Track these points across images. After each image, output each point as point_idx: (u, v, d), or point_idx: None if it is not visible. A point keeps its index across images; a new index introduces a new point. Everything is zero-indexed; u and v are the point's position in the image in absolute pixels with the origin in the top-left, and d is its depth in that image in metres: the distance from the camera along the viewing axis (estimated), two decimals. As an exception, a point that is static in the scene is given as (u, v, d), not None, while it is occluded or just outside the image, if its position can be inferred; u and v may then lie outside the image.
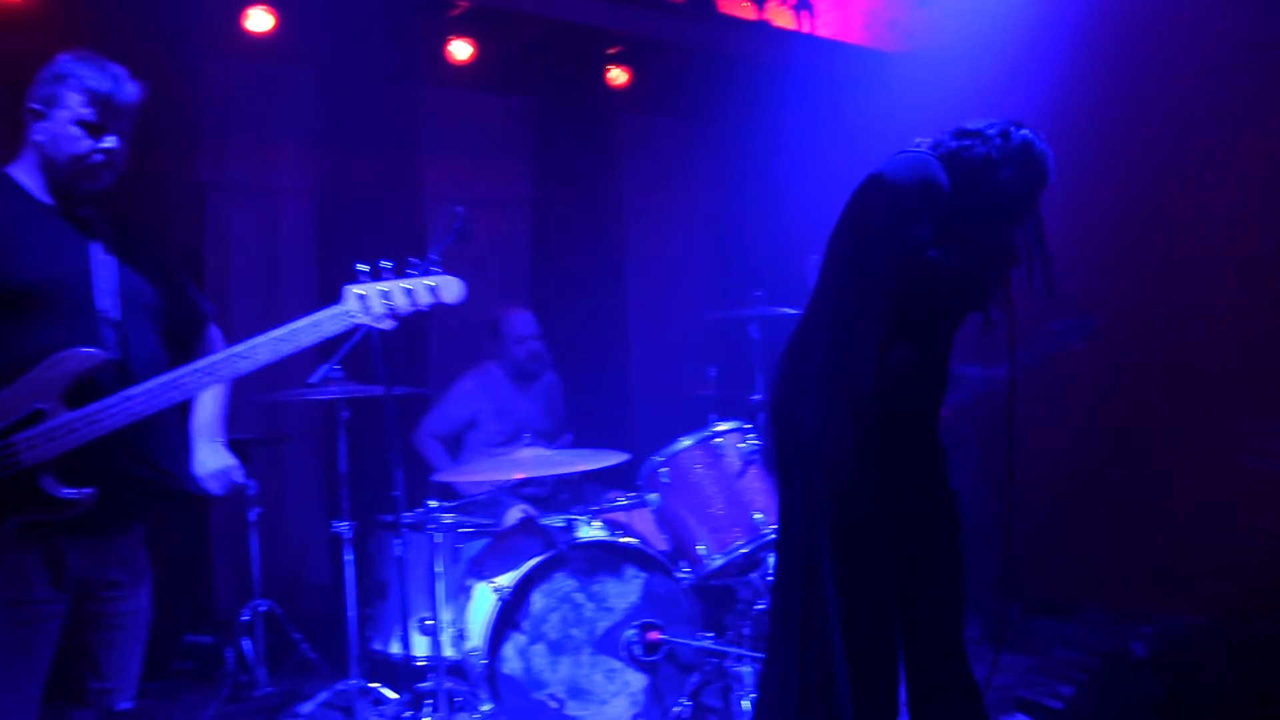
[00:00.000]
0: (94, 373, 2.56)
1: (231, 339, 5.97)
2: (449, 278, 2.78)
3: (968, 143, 3.30)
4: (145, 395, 2.59)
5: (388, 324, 2.75)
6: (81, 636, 2.62)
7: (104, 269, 2.71)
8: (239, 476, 2.91)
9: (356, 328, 2.79)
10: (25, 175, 2.72)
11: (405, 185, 6.53)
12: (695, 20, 6.78)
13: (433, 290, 2.76)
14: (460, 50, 6.37)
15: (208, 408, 2.98)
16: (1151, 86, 6.13)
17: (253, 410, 5.78)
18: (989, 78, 6.26)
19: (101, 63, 2.71)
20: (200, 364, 2.67)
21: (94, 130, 2.66)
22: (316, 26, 5.98)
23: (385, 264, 2.79)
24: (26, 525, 2.49)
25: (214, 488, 2.87)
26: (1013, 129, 3.30)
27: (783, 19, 7.13)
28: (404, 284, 2.73)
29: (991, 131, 3.30)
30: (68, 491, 2.51)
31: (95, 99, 2.65)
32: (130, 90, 2.73)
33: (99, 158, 2.68)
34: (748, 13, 7.00)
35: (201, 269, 5.92)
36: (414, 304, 2.74)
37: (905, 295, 3.19)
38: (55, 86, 2.67)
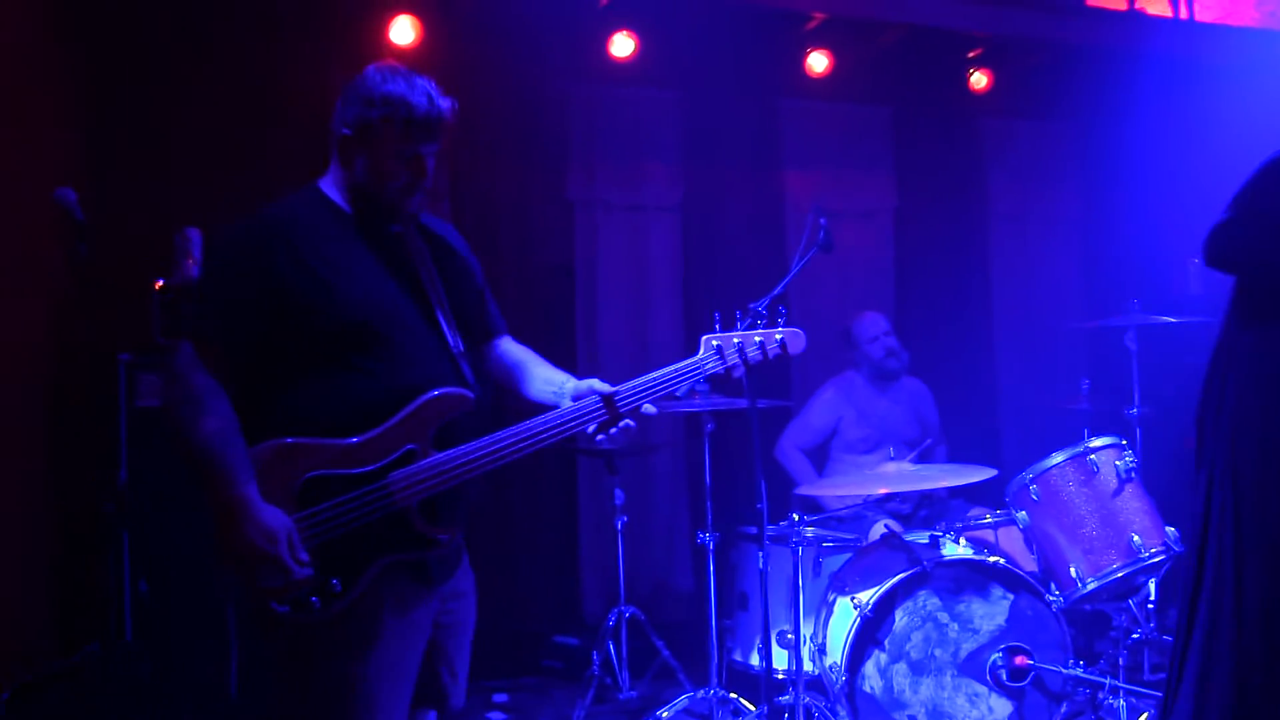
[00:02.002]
0: (463, 415, 2.59)
1: (598, 350, 6.26)
2: (794, 330, 2.86)
3: None
4: (513, 442, 2.61)
5: (740, 372, 2.82)
6: (439, 642, 2.72)
7: (438, 295, 2.71)
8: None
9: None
10: (336, 192, 2.68)
11: (767, 198, 6.61)
12: (1060, 16, 6.51)
13: (781, 342, 2.84)
14: (818, 62, 6.38)
15: (540, 368, 2.89)
16: None
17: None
18: None
19: (410, 80, 2.58)
20: (572, 410, 2.68)
21: (410, 163, 2.60)
22: (677, 48, 6.16)
23: (739, 313, 2.94)
24: (393, 564, 2.53)
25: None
26: None
27: (1157, 6, 6.72)
28: (756, 335, 2.83)
29: None
30: (434, 532, 2.56)
31: (410, 128, 2.56)
32: (442, 106, 2.60)
33: (414, 189, 2.64)
34: (1118, 3, 6.64)
35: (572, 284, 6.20)
36: (764, 355, 2.83)
37: None
38: (367, 112, 2.56)
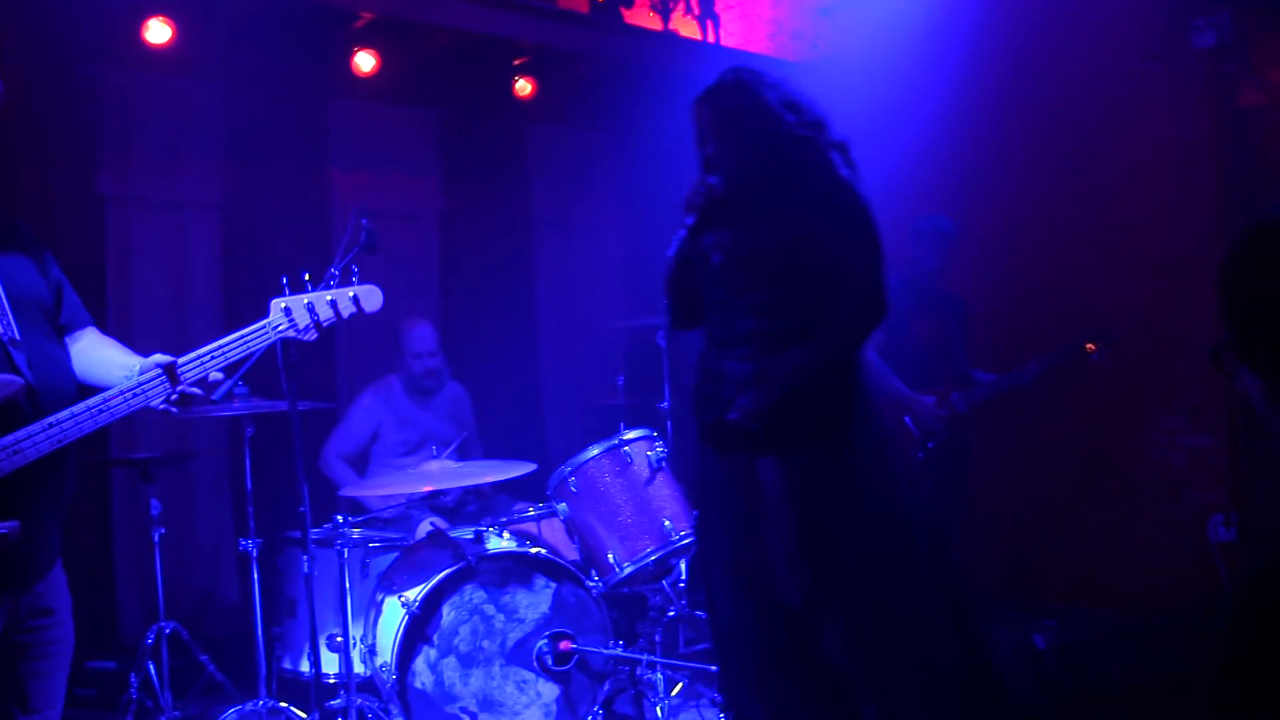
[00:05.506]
0: (9, 401, 2.43)
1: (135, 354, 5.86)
2: (369, 286, 2.84)
3: None
4: (71, 421, 2.47)
5: (313, 335, 2.78)
6: (11, 669, 2.47)
7: None
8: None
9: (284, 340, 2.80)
10: None
11: (312, 198, 6.47)
12: (602, 31, 6.80)
13: (355, 300, 2.82)
14: (365, 62, 6.29)
15: (113, 354, 2.76)
16: (1046, 91, 6.29)
17: (157, 428, 5.68)
18: (890, 85, 6.40)
19: None
20: (132, 385, 2.54)
21: None
22: (219, 39, 5.90)
23: (306, 275, 2.84)
24: None
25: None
26: None
27: (688, 29, 7.19)
28: (328, 295, 2.78)
29: None
30: None
31: None
32: None
33: None
34: (653, 23, 7.04)
35: (103, 285, 5.80)
36: (337, 314, 2.79)
37: None
38: None
